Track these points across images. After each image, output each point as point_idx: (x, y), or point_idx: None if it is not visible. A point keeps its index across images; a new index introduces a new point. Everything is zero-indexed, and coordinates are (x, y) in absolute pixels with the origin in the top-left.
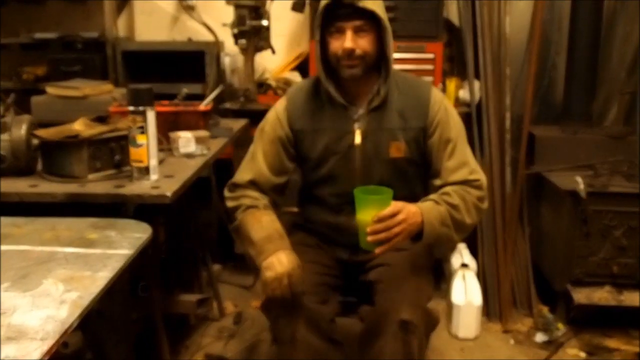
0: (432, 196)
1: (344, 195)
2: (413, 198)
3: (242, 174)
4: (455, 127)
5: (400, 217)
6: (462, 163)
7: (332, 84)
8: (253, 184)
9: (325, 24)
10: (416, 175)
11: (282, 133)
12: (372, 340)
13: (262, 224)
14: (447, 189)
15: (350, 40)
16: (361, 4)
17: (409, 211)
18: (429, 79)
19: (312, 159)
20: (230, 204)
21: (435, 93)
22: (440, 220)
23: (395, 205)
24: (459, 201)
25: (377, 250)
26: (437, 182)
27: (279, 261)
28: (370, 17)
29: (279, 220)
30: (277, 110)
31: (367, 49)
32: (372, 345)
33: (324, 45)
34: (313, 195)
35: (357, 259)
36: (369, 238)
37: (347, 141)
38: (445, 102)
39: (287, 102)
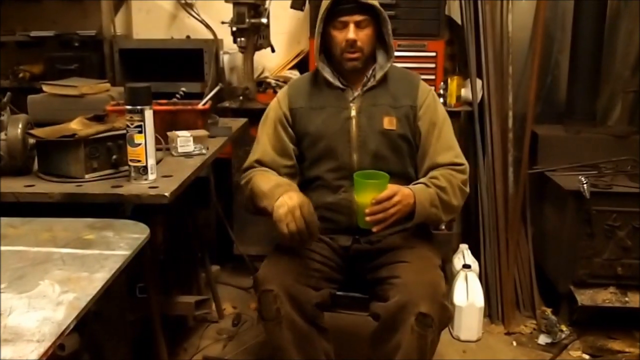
0: (422, 180)
1: (343, 169)
2: (407, 176)
3: (250, 158)
4: (442, 113)
5: (395, 199)
6: (448, 146)
7: (330, 71)
8: (260, 162)
9: (329, 19)
10: (409, 154)
11: (281, 113)
12: (387, 335)
13: (270, 178)
14: (435, 173)
15: (352, 33)
16: (363, 0)
17: (403, 193)
18: (430, 77)
19: (311, 134)
20: (242, 182)
21: (424, 83)
22: (430, 202)
23: (391, 188)
24: (446, 184)
25: (375, 229)
26: (426, 162)
27: (290, 197)
28: (368, 13)
29: None
30: (279, 95)
31: (366, 41)
32: (387, 340)
33: (324, 38)
34: (312, 178)
35: (360, 248)
36: (368, 218)
37: (344, 115)
38: (433, 91)
39: (289, 87)
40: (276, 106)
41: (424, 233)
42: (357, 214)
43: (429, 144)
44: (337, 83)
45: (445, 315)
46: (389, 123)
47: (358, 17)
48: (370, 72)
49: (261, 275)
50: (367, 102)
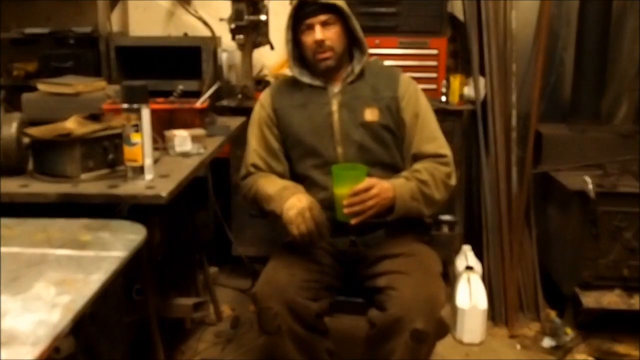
0: (404, 173)
1: (328, 163)
2: (395, 167)
3: (245, 164)
4: (425, 104)
5: (373, 191)
6: (432, 137)
7: (309, 73)
8: (255, 167)
9: (296, 25)
10: (394, 144)
11: (265, 114)
12: (381, 342)
13: (275, 181)
14: (418, 166)
15: (319, 33)
16: (324, 1)
17: (382, 187)
18: (432, 75)
19: (294, 132)
20: (244, 190)
21: (405, 75)
22: (410, 195)
23: (369, 180)
24: (428, 177)
25: (353, 221)
26: (411, 153)
27: (299, 199)
28: (333, 11)
29: None
30: (261, 97)
31: (335, 39)
32: (382, 347)
33: (298, 46)
34: (300, 177)
35: (358, 251)
36: (345, 210)
37: (325, 110)
38: (414, 83)
39: (271, 88)
40: (259, 108)
41: (424, 236)
42: (335, 207)
43: (413, 135)
44: (317, 82)
45: (441, 330)
46: (370, 115)
47: (322, 17)
48: (349, 68)
49: (260, 292)
50: (348, 96)
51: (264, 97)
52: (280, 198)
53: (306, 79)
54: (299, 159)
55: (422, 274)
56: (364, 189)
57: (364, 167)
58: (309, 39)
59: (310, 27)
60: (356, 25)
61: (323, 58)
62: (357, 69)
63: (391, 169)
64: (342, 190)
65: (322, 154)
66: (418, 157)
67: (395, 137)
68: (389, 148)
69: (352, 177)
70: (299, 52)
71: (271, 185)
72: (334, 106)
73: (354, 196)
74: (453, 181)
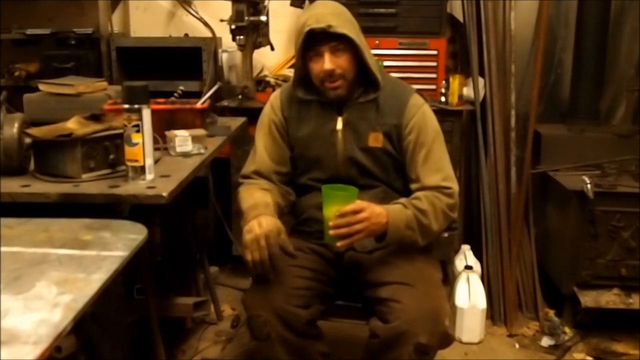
0: (402, 200)
1: (329, 181)
2: (395, 188)
3: (247, 167)
4: (433, 132)
5: (362, 215)
6: (436, 169)
7: (316, 93)
8: (257, 173)
9: (304, 50)
10: (396, 169)
11: (276, 119)
12: (383, 352)
13: (253, 196)
14: (419, 194)
15: (328, 62)
16: (332, 30)
17: (373, 211)
18: (431, 76)
19: (299, 143)
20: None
21: (416, 98)
22: (405, 224)
23: (358, 203)
24: (427, 206)
25: (338, 244)
26: (413, 186)
27: (259, 224)
28: (343, 37)
29: (274, 199)
30: (271, 100)
31: (346, 67)
32: (382, 355)
33: (304, 67)
34: (302, 185)
35: (355, 256)
36: (330, 231)
37: (330, 127)
38: (425, 107)
39: (281, 92)
40: (270, 111)
41: None
42: (324, 228)
43: (415, 165)
44: (324, 98)
45: (445, 341)
46: (374, 140)
47: (332, 43)
48: (361, 90)
49: (249, 300)
50: (354, 115)
51: (275, 100)
52: (246, 217)
53: (312, 96)
54: (301, 171)
55: (424, 285)
56: (352, 210)
57: (354, 189)
58: (317, 66)
59: (320, 54)
60: (367, 56)
61: (333, 87)
62: (371, 96)
63: (394, 191)
64: (330, 212)
65: (325, 171)
66: (420, 189)
67: (396, 160)
68: (391, 172)
69: (341, 198)
70: (305, 73)
71: (247, 199)
72: (339, 124)
73: (340, 217)
74: (455, 214)
